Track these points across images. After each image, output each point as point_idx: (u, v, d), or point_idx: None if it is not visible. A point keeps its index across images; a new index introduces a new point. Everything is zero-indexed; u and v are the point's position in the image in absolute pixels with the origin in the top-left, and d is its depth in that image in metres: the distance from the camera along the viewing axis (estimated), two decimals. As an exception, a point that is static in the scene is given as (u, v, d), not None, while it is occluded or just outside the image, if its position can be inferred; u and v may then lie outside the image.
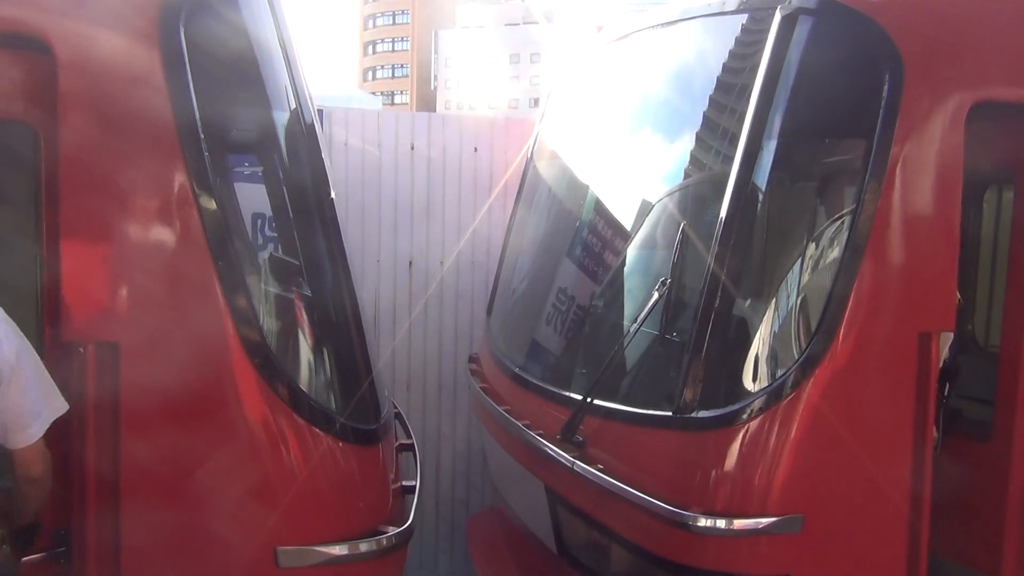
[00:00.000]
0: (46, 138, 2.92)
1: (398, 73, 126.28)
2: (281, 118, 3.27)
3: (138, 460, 2.91)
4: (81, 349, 2.87)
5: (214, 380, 2.99)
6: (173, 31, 2.86)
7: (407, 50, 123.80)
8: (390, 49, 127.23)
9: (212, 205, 2.90)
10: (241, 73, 3.15)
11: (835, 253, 3.51)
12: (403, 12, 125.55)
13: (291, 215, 3.27)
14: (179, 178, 2.87)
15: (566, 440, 3.99)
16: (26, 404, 2.61)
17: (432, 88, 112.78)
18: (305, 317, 3.38)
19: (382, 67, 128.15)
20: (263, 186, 3.37)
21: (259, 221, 3.66)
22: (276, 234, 3.42)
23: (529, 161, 5.93)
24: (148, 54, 2.85)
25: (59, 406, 2.71)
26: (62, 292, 2.83)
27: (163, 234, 2.92)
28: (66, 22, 2.83)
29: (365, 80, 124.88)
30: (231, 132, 3.28)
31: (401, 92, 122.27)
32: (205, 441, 3.00)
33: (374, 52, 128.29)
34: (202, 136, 2.89)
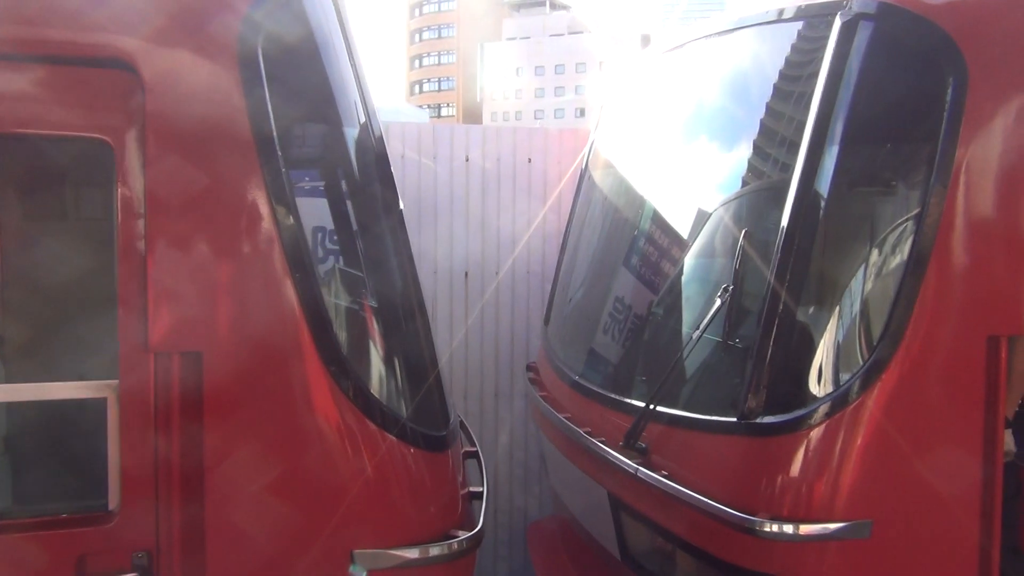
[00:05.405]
0: (126, 155, 3.00)
1: (444, 86, 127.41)
2: (353, 133, 3.37)
3: (220, 462, 3.02)
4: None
5: (291, 388, 3.09)
6: (252, 53, 2.98)
7: (453, 63, 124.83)
8: (436, 62, 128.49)
9: (289, 220, 3.01)
10: (316, 91, 3.26)
11: (900, 258, 3.50)
12: (449, 26, 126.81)
13: (365, 227, 3.37)
14: (258, 193, 2.98)
15: (629, 447, 4.02)
16: None
17: (478, 100, 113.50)
18: (377, 326, 3.47)
19: (428, 80, 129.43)
20: (323, 199, 3.47)
21: (319, 234, 3.77)
22: (343, 247, 3.52)
23: (584, 171, 5.99)
24: (228, 75, 2.97)
25: None
26: (149, 304, 2.95)
27: (243, 248, 3.03)
28: (152, 46, 2.95)
29: (412, 93, 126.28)
30: (307, 148, 3.39)
31: (447, 105, 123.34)
32: (283, 447, 3.10)
33: (420, 66, 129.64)
34: (279, 152, 3.00)
